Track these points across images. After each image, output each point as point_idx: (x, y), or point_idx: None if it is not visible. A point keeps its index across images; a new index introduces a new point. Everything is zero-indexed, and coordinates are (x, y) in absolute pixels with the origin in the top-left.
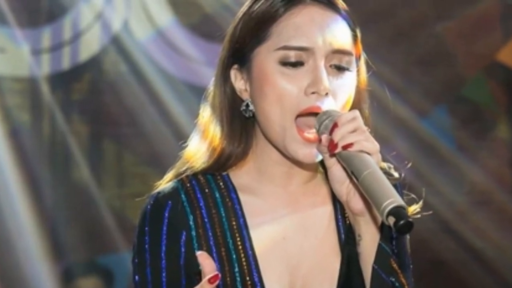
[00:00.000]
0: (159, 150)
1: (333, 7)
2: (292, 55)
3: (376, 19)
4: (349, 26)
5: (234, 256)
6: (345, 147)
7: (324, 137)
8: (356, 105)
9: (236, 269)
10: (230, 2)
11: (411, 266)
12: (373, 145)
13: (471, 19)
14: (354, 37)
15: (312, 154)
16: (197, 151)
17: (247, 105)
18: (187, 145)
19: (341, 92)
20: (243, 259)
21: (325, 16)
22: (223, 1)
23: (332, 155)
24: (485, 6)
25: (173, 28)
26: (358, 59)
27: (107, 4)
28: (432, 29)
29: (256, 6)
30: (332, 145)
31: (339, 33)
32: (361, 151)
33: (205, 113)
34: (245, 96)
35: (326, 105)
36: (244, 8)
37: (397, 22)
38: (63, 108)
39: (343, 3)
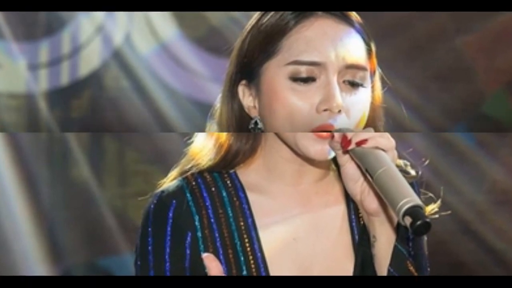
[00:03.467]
0: (162, 147)
1: (346, 19)
2: (303, 71)
3: (392, 32)
4: (363, 39)
5: (242, 259)
6: (359, 144)
7: (337, 133)
8: (370, 123)
9: (244, 272)
10: (238, 14)
11: (429, 269)
12: (389, 142)
13: (492, 32)
14: (369, 51)
15: (324, 151)
16: (203, 147)
17: (256, 123)
18: (192, 142)
19: (354, 109)
20: (252, 262)
21: (338, 29)
22: (230, 14)
23: (346, 152)
24: (506, 18)
25: (178, 42)
26: (372, 74)
27: (108, 17)
28: (450, 43)
29: (265, 19)
30: (345, 142)
31: (352, 47)
32: (376, 147)
33: (211, 131)
34: (254, 113)
35: (339, 122)
36: (252, 21)
37: (414, 35)
38: (62, 126)
39: (357, 16)
